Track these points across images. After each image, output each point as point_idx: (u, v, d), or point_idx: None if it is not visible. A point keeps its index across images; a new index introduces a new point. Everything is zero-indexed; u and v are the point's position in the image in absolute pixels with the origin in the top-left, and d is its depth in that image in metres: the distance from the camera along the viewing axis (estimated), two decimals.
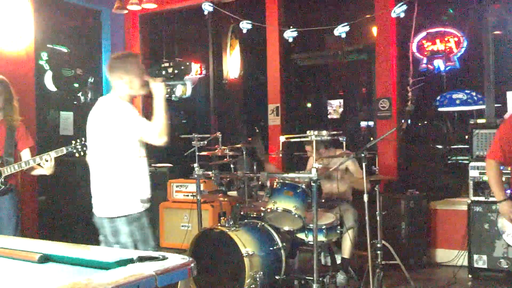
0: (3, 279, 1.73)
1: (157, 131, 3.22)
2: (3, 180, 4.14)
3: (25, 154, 4.29)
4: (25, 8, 5.57)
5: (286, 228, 4.53)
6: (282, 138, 5.25)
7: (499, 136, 3.55)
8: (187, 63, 8.10)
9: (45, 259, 1.88)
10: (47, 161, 4.05)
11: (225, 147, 5.22)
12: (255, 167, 5.30)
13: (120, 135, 3.25)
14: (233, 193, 5.42)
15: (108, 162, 3.30)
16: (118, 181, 3.29)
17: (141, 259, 1.72)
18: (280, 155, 5.34)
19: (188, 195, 6.41)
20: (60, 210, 6.26)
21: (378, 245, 4.75)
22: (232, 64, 8.23)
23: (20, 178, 4.36)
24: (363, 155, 4.19)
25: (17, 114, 4.31)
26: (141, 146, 3.33)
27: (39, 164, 4.17)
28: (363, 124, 8.38)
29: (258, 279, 4.10)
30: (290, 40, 6.17)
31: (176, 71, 8.09)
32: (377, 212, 4.71)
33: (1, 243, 2.13)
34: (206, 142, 5.45)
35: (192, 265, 1.71)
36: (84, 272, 1.70)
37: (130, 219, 3.23)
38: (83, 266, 1.78)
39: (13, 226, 4.18)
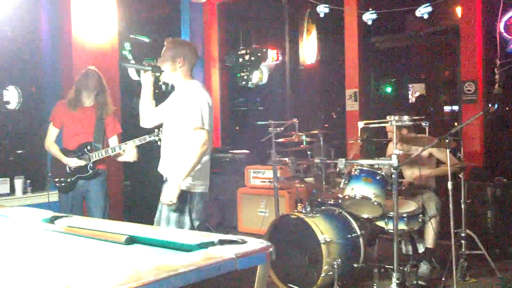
0: (93, 259, 1.82)
1: None
2: (91, 165, 4.36)
3: (113, 140, 4.50)
4: (109, 0, 5.78)
5: (365, 215, 4.45)
6: (361, 124, 5.13)
7: None
8: (264, 50, 8.17)
9: (131, 240, 1.95)
10: (131, 148, 4.25)
11: (302, 133, 5.20)
12: (332, 154, 5.24)
13: None
14: (310, 179, 5.39)
15: None
16: None
17: (222, 242, 1.75)
18: (359, 141, 5.22)
19: (265, 181, 6.46)
20: (144, 195, 6.51)
21: (462, 235, 4.57)
22: (309, 49, 8.14)
23: (107, 164, 4.58)
24: (447, 141, 4.01)
25: (111, 105, 4.54)
26: (163, 127, 3.67)
27: (124, 151, 4.37)
28: (446, 108, 8.03)
29: (336, 266, 4.07)
30: (369, 22, 6.02)
31: (252, 58, 8.16)
32: (461, 200, 4.52)
33: (91, 225, 2.24)
34: (282, 129, 5.45)
35: (271, 249, 1.71)
36: (168, 254, 1.75)
37: None
38: (167, 248, 1.83)
39: (101, 209, 4.41)
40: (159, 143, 4.19)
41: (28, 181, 5.37)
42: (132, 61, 3.74)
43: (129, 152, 4.35)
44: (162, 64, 3.54)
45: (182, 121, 3.44)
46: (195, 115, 3.38)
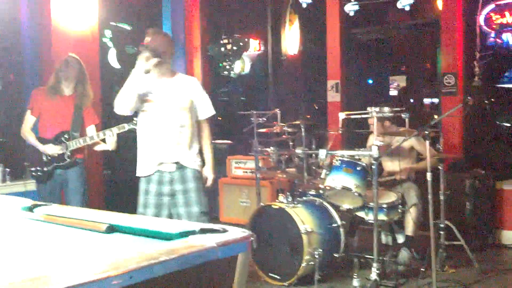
0: (72, 248, 1.80)
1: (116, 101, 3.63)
2: (69, 153, 4.31)
3: (91, 130, 4.45)
4: None
5: (346, 206, 4.48)
6: (342, 115, 5.15)
7: None
8: (246, 40, 8.14)
9: (112, 229, 1.94)
10: (109, 136, 4.21)
11: (284, 124, 5.20)
12: (313, 144, 5.26)
13: None
14: (292, 170, 5.41)
15: None
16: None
17: (203, 231, 1.74)
18: (340, 132, 5.25)
19: (247, 172, 6.46)
20: (124, 184, 6.47)
21: (441, 225, 4.64)
22: (291, 39, 8.14)
23: (86, 153, 4.53)
24: (427, 132, 4.05)
25: (90, 95, 4.47)
26: (154, 117, 3.64)
27: (103, 140, 4.33)
28: (427, 100, 8.12)
29: (316, 256, 4.10)
30: (351, 13, 6.03)
31: (234, 48, 8.13)
32: (440, 192, 4.58)
33: (71, 213, 2.21)
34: (265, 119, 5.46)
35: (252, 238, 1.71)
36: (148, 243, 1.74)
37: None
38: (148, 237, 1.82)
39: (80, 198, 4.36)
40: None
41: (7, 169, 5.29)
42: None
43: (107, 141, 4.31)
44: (165, 56, 3.61)
45: (194, 110, 3.72)
46: (210, 105, 3.84)
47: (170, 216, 3.64)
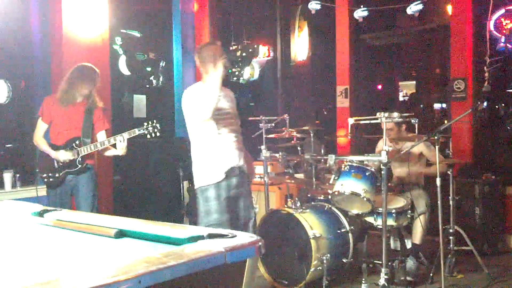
0: (82, 253, 1.82)
1: (200, 109, 3.65)
2: (80, 159, 4.34)
3: (101, 136, 4.48)
4: None
5: (354, 211, 4.47)
6: (351, 121, 5.15)
7: None
8: (255, 46, 8.16)
9: (121, 234, 1.96)
10: (120, 141, 4.23)
11: (293, 129, 5.21)
12: (322, 150, 5.26)
13: (187, 116, 3.81)
14: (300, 175, 5.41)
15: (192, 140, 3.86)
16: (196, 156, 3.84)
17: (211, 236, 1.76)
18: (349, 137, 5.25)
19: (255, 177, 6.45)
20: (133, 189, 6.50)
21: (451, 231, 4.62)
22: (300, 45, 8.16)
23: (96, 158, 4.55)
24: (436, 138, 4.04)
25: (98, 98, 4.51)
26: (219, 125, 3.73)
27: (113, 145, 4.35)
28: (436, 106, 8.10)
29: (325, 261, 4.09)
30: (360, 19, 6.05)
31: (244, 54, 8.15)
32: (450, 197, 4.56)
33: (80, 219, 2.24)
34: (273, 124, 5.46)
35: (260, 243, 1.72)
36: (157, 247, 1.75)
37: (199, 191, 3.78)
38: (156, 242, 1.84)
39: (90, 203, 4.38)
40: (148, 136, 4.21)
41: (17, 175, 5.34)
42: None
43: (118, 146, 4.33)
44: None
45: None
46: None
47: (233, 218, 3.80)
